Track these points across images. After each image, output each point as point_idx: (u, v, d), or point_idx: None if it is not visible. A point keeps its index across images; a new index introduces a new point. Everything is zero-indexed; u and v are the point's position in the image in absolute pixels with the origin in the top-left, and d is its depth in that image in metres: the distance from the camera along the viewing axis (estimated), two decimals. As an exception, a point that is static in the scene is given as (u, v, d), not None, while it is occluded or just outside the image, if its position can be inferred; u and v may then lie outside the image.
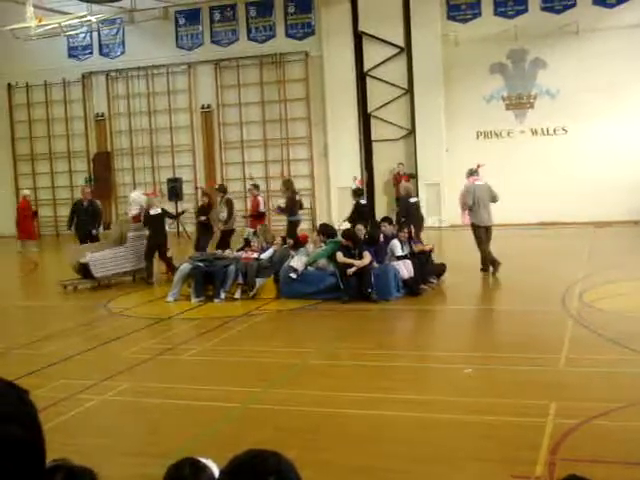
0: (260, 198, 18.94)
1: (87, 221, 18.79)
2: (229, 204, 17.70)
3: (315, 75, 26.23)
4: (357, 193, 19.05)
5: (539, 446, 6.47)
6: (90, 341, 11.80)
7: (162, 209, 17.17)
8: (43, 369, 10.00)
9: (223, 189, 18.59)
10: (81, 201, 19.35)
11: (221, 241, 17.39)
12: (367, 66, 25.73)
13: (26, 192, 25.47)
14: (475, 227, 15.92)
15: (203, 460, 2.60)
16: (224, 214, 17.42)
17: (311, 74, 26.37)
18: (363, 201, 19.30)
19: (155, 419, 8.01)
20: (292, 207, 18.58)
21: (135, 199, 18.31)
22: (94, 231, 18.53)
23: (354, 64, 25.71)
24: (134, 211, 17.67)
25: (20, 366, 9.91)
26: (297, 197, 19.04)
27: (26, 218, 23.99)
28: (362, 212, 18.47)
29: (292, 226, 18.38)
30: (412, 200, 18.10)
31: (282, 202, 18.96)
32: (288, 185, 19.06)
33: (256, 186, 19.40)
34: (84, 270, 15.87)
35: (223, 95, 27.53)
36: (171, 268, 16.21)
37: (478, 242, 15.86)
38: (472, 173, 16.69)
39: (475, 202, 15.94)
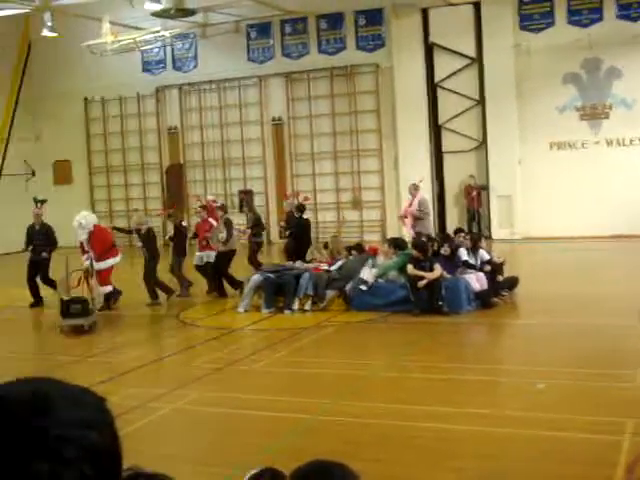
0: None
1: (41, 244, 16.34)
2: (228, 224, 16.73)
3: (385, 87, 26.21)
4: (300, 209, 18.68)
5: (615, 464, 6.30)
6: (162, 351, 11.99)
7: (113, 226, 17.13)
8: (116, 377, 10.20)
9: (224, 208, 17.86)
10: (33, 225, 16.76)
11: (219, 263, 16.35)
12: (438, 77, 25.60)
13: (212, 197, 24.37)
14: (420, 236, 16.92)
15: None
16: (223, 234, 16.43)
17: (381, 86, 26.36)
18: (305, 216, 18.93)
19: (224, 429, 8.08)
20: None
21: (84, 223, 15.16)
22: (44, 254, 16.11)
23: (425, 75, 25.61)
24: (83, 236, 14.99)
25: (94, 374, 10.12)
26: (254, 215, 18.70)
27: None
28: (305, 227, 18.27)
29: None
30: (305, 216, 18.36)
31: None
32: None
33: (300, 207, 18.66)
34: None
35: (294, 107, 27.72)
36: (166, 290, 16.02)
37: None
38: (417, 188, 18.36)
39: (429, 213, 18.11)
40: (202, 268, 16.74)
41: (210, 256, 16.67)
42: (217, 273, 16.39)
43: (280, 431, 7.87)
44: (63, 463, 1.10)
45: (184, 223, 18.32)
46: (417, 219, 17.90)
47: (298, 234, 17.99)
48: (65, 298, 13.58)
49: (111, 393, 8.62)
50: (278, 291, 14.56)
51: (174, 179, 29.26)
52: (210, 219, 17.12)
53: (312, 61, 27.07)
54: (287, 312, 14.28)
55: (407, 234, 18.12)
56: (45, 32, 25.36)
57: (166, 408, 8.81)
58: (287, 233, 18.42)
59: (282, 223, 18.98)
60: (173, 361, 11.46)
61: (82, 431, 1.14)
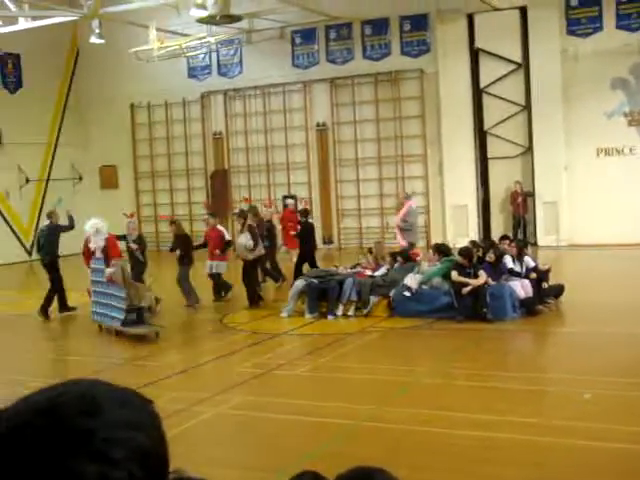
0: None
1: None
2: (252, 230, 16.22)
3: (430, 92, 26.11)
4: (303, 213, 18.66)
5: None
6: (205, 355, 12.08)
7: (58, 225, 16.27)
8: (160, 380, 10.30)
9: (244, 214, 17.04)
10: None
11: (248, 272, 15.93)
12: (483, 83, 25.43)
13: (290, 201, 24.68)
14: (412, 247, 17.36)
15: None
16: (250, 242, 15.80)
17: (426, 91, 26.26)
18: (311, 220, 18.88)
19: (267, 434, 8.11)
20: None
21: (102, 229, 14.62)
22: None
23: (470, 81, 25.46)
24: (101, 242, 14.39)
25: (139, 377, 10.23)
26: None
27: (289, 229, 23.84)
28: (311, 230, 18.30)
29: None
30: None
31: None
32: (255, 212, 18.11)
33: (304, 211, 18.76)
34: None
35: (338, 113, 27.75)
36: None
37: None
38: (409, 196, 18.58)
39: (414, 223, 18.31)
40: (212, 277, 16.57)
41: (220, 266, 16.45)
42: (250, 283, 16.00)
43: (322, 436, 7.88)
44: (111, 464, 1.11)
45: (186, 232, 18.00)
46: (403, 230, 17.94)
47: (305, 238, 17.95)
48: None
49: (155, 396, 8.67)
50: (322, 296, 14.58)
51: (219, 184, 29.47)
52: (219, 226, 16.88)
53: (357, 66, 27.08)
54: (330, 317, 14.31)
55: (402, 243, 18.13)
56: (93, 39, 25.74)
57: (209, 412, 8.87)
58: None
59: (292, 233, 18.58)
60: (216, 365, 11.54)
61: (129, 433, 1.15)
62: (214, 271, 16.45)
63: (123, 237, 16.13)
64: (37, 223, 27.69)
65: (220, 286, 16.60)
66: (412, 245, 17.71)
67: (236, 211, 17.93)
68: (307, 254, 17.60)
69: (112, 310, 13.81)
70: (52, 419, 1.13)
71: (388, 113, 26.84)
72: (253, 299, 15.82)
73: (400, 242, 17.94)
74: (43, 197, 29.75)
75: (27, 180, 28.93)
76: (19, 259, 27.38)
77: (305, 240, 17.84)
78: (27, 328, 15.04)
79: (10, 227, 28.22)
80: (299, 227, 18.27)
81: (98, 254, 14.50)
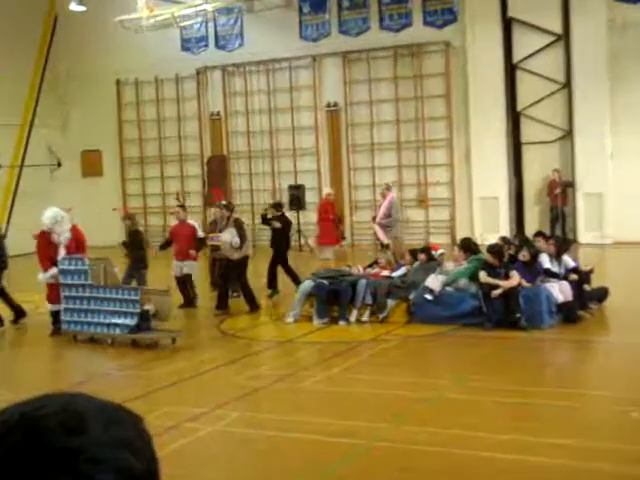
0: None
1: None
2: (239, 226, 16.04)
3: (457, 68, 26.11)
4: (277, 207, 18.31)
5: None
6: (201, 365, 12.15)
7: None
8: (151, 393, 10.39)
9: (230, 208, 16.77)
10: None
11: (231, 273, 15.91)
12: (517, 57, 25.43)
13: (328, 190, 24.69)
14: (398, 241, 17.75)
15: None
16: (236, 239, 15.62)
17: (452, 67, 26.27)
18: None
19: (268, 454, 8.18)
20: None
21: (61, 219, 14.33)
22: None
23: (502, 55, 25.46)
24: (67, 234, 14.14)
25: (127, 389, 10.32)
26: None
27: (327, 221, 23.75)
28: (288, 226, 18.21)
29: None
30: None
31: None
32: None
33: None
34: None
35: (352, 92, 27.78)
36: None
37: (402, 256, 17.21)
38: (390, 188, 18.85)
39: (398, 217, 18.68)
40: (181, 280, 16.47)
41: (191, 266, 16.40)
42: (225, 285, 16.02)
43: (331, 457, 7.95)
44: None
45: (141, 228, 17.73)
46: (384, 226, 18.06)
47: (283, 234, 17.71)
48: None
49: (145, 411, 8.78)
50: (332, 299, 14.64)
51: (216, 172, 29.53)
52: (190, 221, 16.64)
53: (373, 39, 27.11)
54: (342, 323, 14.37)
55: (384, 241, 18.23)
56: (73, 6, 25.88)
57: (204, 429, 8.94)
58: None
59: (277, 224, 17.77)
60: (213, 377, 11.61)
61: (117, 452, 1.15)
62: (184, 272, 16.30)
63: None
64: (9, 215, 27.85)
65: (190, 290, 16.54)
66: (397, 240, 17.89)
67: (222, 202, 17.35)
68: (283, 255, 17.50)
69: (113, 316, 13.63)
70: (29, 436, 1.13)
71: (408, 92, 26.85)
72: (254, 302, 15.87)
73: (382, 239, 18.01)
74: (16, 186, 29.89)
75: (-1, 166, 29.09)
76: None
77: (282, 239, 17.62)
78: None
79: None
80: (277, 224, 17.68)
81: (62, 251, 14.22)
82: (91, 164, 31.59)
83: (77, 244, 14.44)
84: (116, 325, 13.65)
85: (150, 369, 12.03)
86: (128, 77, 30.60)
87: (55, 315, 14.45)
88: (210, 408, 9.67)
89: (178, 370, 11.79)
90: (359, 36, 27.45)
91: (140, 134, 30.89)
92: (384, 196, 18.38)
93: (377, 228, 18.22)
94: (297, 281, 17.32)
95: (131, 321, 13.53)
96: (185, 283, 16.46)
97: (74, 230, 14.55)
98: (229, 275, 15.94)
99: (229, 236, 15.64)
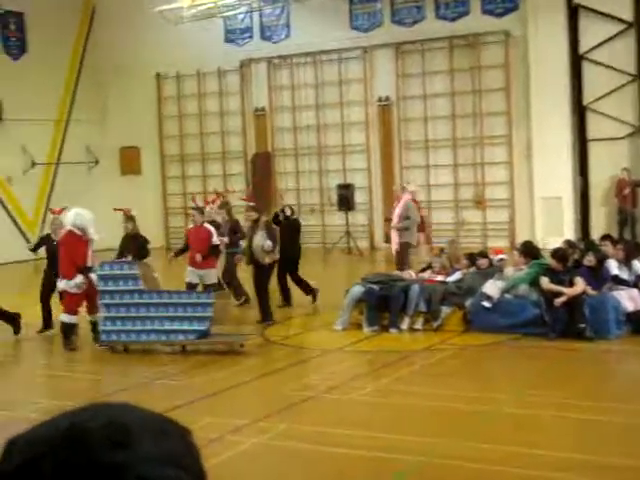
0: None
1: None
2: (269, 227, 15.97)
3: (517, 60, 25.94)
4: (285, 211, 18.05)
5: None
6: (244, 373, 12.19)
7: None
8: (190, 403, 10.44)
9: (258, 210, 16.48)
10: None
11: (261, 279, 15.71)
12: (584, 47, 25.20)
13: (412, 187, 23.09)
14: (408, 247, 17.60)
15: None
16: (268, 242, 15.43)
17: (512, 58, 26.10)
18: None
19: (316, 471, 8.17)
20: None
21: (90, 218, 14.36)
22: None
23: (567, 45, 25.24)
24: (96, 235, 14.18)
25: (165, 399, 10.38)
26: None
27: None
28: (297, 230, 18.00)
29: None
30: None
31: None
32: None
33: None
34: None
35: (405, 85, 27.73)
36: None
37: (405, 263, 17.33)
38: (405, 188, 18.27)
39: (414, 220, 18.22)
40: (195, 288, 15.81)
41: (210, 276, 15.98)
42: (263, 293, 15.73)
43: (383, 475, 7.92)
44: None
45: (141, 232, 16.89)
46: (400, 229, 17.78)
47: (293, 239, 17.47)
48: None
49: (186, 422, 8.84)
50: (383, 306, 14.61)
51: (261, 170, 29.64)
52: (206, 224, 16.22)
53: (428, 29, 27.03)
54: (393, 331, 14.33)
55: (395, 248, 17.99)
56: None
57: (248, 442, 8.97)
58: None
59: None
60: (257, 386, 11.65)
61: (165, 469, 1.15)
62: (205, 282, 15.89)
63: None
64: (44, 214, 28.14)
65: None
66: (409, 246, 17.68)
67: (251, 204, 17.01)
68: (291, 263, 17.19)
69: (179, 322, 13.55)
70: (76, 451, 1.13)
71: (465, 85, 26.74)
72: (267, 312, 15.57)
73: (393, 244, 17.77)
74: (52, 184, 30.28)
75: (33, 164, 29.46)
76: (22, 257, 27.79)
77: (289, 244, 17.23)
78: (30, 341, 15.32)
79: (12, 218, 28.73)
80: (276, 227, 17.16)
81: (90, 253, 14.11)
82: (130, 162, 31.89)
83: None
84: (182, 331, 13.52)
85: (191, 378, 12.10)
86: (168, 70, 30.83)
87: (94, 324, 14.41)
88: (254, 420, 9.69)
89: (220, 379, 11.84)
90: (413, 26, 27.39)
91: (181, 130, 31.11)
92: (399, 198, 18.08)
93: (393, 233, 17.99)
94: (308, 291, 17.31)
95: (202, 326, 13.47)
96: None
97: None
98: (261, 280, 15.70)
99: (260, 239, 15.48)
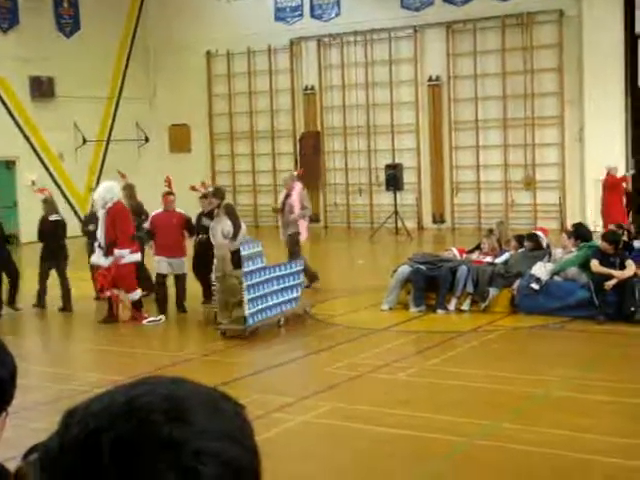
0: None
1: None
2: (231, 212, 14.64)
3: (571, 40, 25.60)
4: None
5: None
6: (290, 352, 12.23)
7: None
8: (237, 380, 10.50)
9: (221, 194, 15.08)
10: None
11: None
12: None
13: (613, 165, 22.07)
14: (298, 236, 16.58)
15: None
16: (229, 228, 14.23)
17: (566, 38, 25.76)
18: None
19: (361, 449, 8.18)
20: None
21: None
22: None
23: (623, 25, 24.86)
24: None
25: (212, 375, 10.43)
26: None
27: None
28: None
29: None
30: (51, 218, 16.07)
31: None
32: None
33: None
34: None
35: (455, 65, 27.51)
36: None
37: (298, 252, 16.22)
38: (294, 178, 17.39)
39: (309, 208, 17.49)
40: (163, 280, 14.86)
41: (182, 266, 14.91)
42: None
43: (428, 455, 7.91)
44: None
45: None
46: (300, 218, 16.60)
47: None
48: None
49: (231, 398, 8.89)
50: (430, 286, 14.57)
51: (309, 149, 29.64)
52: (178, 209, 15.15)
53: (479, 8, 26.76)
54: (440, 312, 14.30)
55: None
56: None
57: (294, 420, 9.00)
58: None
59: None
60: (303, 365, 11.69)
61: (222, 444, 1.14)
62: (177, 272, 14.79)
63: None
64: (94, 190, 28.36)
65: (182, 292, 15.10)
66: (298, 235, 16.59)
67: (208, 189, 15.75)
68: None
69: (285, 293, 13.88)
70: (134, 425, 1.12)
71: (517, 65, 26.47)
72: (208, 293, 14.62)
73: (303, 234, 16.56)
74: (102, 161, 30.52)
75: (84, 140, 29.72)
76: (73, 233, 28.02)
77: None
78: (82, 316, 15.49)
79: (64, 194, 28.97)
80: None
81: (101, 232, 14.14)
82: (179, 139, 32.03)
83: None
84: (288, 301, 14.02)
85: (237, 355, 12.17)
86: (219, 48, 30.88)
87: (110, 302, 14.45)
88: (300, 397, 9.72)
89: (266, 356, 11.90)
90: (464, 5, 27.13)
91: (230, 108, 31.16)
92: (290, 189, 17.00)
93: (300, 223, 16.63)
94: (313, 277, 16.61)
95: (297, 294, 14.17)
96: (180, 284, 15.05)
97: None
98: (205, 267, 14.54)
99: (224, 226, 14.28)
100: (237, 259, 13.67)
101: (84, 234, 16.56)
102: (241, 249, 13.45)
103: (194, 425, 1.13)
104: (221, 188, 16.41)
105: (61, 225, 15.99)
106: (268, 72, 30.38)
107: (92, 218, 15.81)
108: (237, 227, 14.30)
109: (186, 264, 15.02)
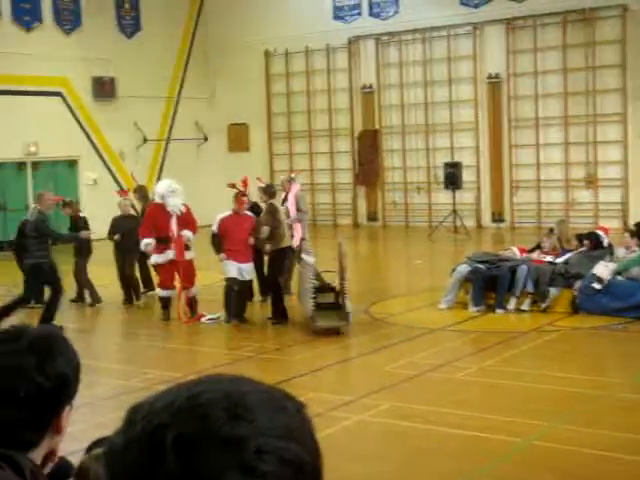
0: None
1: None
2: (270, 212, 14.43)
3: (635, 35, 25.22)
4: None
5: None
6: (347, 350, 12.26)
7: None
8: (294, 378, 10.54)
9: (270, 191, 15.00)
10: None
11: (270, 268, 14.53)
12: None
13: None
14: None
15: None
16: (265, 227, 14.16)
17: (630, 34, 25.38)
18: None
19: (417, 449, 8.18)
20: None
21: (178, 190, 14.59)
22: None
23: (688, 20, 24.47)
24: (181, 207, 14.43)
25: (269, 373, 10.51)
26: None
27: None
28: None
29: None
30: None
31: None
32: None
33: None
34: None
35: (515, 62, 27.28)
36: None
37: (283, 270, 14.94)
38: (293, 179, 16.77)
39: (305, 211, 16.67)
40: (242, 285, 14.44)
41: (250, 271, 14.58)
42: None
43: (484, 455, 7.88)
44: (260, 479, 1.12)
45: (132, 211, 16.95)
46: (299, 221, 16.03)
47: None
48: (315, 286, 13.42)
49: (288, 396, 8.93)
50: (489, 286, 14.49)
51: (367, 148, 29.63)
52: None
53: (540, 4, 26.50)
54: (499, 311, 14.21)
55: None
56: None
57: (351, 419, 9.03)
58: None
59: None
60: (361, 363, 11.70)
61: (283, 442, 1.15)
62: (246, 278, 14.42)
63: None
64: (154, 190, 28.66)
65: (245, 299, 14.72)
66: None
67: (262, 184, 15.57)
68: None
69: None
70: (196, 422, 1.14)
71: (579, 62, 26.16)
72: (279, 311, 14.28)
73: (296, 238, 15.85)
74: (162, 160, 30.82)
75: (145, 140, 30.03)
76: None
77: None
78: (138, 314, 15.69)
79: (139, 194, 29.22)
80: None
81: (173, 224, 14.34)
82: (238, 138, 32.21)
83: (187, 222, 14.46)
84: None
85: (295, 353, 12.22)
86: (277, 48, 30.97)
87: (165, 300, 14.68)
88: (357, 396, 9.74)
89: (324, 355, 11.93)
90: (524, 1, 26.88)
91: (288, 108, 31.25)
92: (287, 190, 16.54)
93: (294, 226, 15.92)
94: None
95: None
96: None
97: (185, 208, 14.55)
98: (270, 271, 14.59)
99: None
100: (280, 259, 14.10)
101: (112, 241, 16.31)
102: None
103: (256, 423, 1.15)
104: (272, 185, 16.48)
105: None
106: (326, 71, 30.41)
107: (121, 224, 16.01)
108: (274, 228, 14.14)
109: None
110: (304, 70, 30.80)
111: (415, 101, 28.87)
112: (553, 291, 14.21)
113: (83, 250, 16.03)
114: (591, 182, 26.34)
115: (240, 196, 14.59)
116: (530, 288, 14.32)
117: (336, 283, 13.98)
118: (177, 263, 14.45)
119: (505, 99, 27.54)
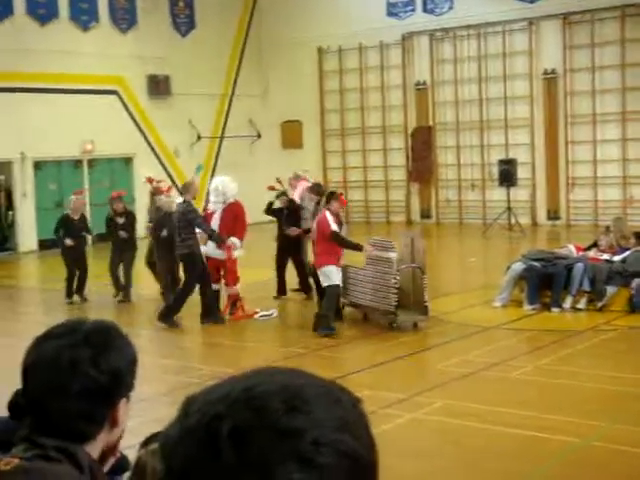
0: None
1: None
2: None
3: (693, 30, 24.86)
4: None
5: None
6: (400, 348, 12.21)
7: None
8: (347, 375, 10.54)
9: (318, 190, 15.63)
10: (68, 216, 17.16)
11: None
12: None
13: None
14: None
15: None
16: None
17: (688, 28, 25.03)
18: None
19: (471, 448, 8.13)
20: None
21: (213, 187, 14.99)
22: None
23: None
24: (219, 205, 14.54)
25: (321, 369, 10.48)
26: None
27: None
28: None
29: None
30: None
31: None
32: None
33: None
34: None
35: (572, 57, 27.01)
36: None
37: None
38: (299, 176, 16.66)
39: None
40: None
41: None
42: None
43: (539, 456, 7.81)
44: (316, 471, 1.11)
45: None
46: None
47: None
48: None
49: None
50: (545, 284, 14.36)
51: (421, 144, 29.53)
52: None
53: (598, -2, 26.21)
54: (555, 310, 14.08)
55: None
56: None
57: (404, 417, 9.00)
58: None
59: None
60: (415, 361, 11.66)
61: (339, 435, 1.15)
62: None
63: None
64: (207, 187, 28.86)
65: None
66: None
67: (308, 183, 16.22)
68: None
69: None
70: (253, 414, 1.14)
71: (637, 57, 25.81)
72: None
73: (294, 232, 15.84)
74: (216, 157, 31.01)
75: (199, 137, 30.24)
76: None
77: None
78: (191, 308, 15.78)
79: (179, 191, 29.48)
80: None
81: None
82: (291, 135, 32.30)
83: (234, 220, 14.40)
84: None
85: (348, 350, 12.23)
86: (330, 45, 31.01)
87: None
88: (411, 394, 9.72)
89: (377, 352, 11.91)
90: (583, -5, 26.59)
91: (342, 104, 31.26)
92: (293, 186, 16.38)
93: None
94: (306, 289, 15.79)
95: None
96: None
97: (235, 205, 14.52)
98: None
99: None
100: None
101: (153, 238, 16.12)
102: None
103: (312, 415, 1.14)
104: (320, 184, 16.64)
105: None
106: (380, 68, 30.38)
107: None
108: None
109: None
110: (357, 67, 30.79)
111: (469, 97, 28.72)
112: (610, 290, 14.04)
113: (131, 246, 16.56)
114: (649, 179, 25.99)
115: (339, 195, 13.94)
116: (586, 286, 14.17)
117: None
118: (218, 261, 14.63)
119: (561, 95, 27.28)
